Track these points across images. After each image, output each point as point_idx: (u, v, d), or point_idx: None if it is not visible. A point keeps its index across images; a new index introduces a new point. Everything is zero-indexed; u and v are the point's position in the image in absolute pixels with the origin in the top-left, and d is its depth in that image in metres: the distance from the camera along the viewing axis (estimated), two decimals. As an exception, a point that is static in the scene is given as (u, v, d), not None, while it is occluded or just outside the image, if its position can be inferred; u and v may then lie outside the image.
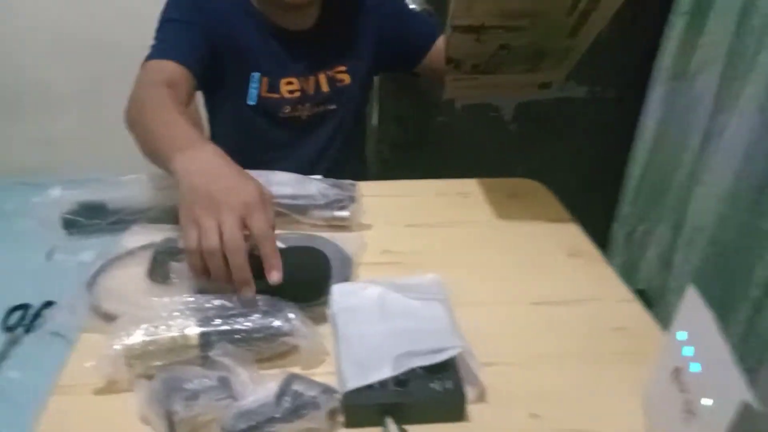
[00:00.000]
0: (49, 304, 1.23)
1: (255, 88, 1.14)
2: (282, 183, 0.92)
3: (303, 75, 1.17)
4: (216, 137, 1.27)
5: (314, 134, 1.23)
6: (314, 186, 0.93)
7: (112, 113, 1.82)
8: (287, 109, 1.18)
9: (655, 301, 1.75)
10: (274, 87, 1.15)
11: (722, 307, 1.42)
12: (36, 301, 1.23)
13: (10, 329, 1.18)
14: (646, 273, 1.82)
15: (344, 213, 0.92)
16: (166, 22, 1.09)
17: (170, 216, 0.89)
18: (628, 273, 1.82)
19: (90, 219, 0.89)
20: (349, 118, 1.27)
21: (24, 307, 1.22)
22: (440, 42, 1.22)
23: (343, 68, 1.21)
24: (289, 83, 1.16)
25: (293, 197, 0.91)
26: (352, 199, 0.93)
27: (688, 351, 0.55)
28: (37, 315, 1.21)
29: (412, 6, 1.47)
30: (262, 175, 0.93)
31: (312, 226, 0.91)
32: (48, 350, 1.13)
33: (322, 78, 1.19)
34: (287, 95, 1.16)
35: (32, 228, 1.40)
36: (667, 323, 0.61)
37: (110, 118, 1.83)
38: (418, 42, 1.25)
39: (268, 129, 1.20)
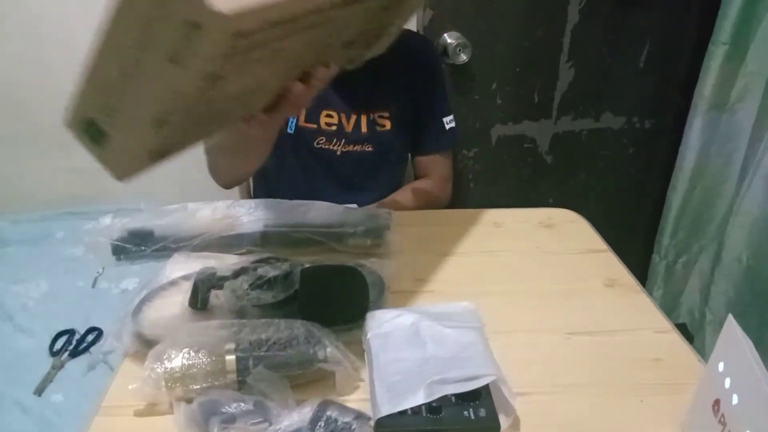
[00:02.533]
0: (93, 329, 1.26)
1: (293, 118, 1.18)
2: (319, 212, 0.95)
3: (344, 111, 1.19)
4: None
5: (349, 171, 1.25)
6: (350, 215, 0.95)
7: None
8: (322, 141, 1.20)
9: (696, 335, 1.70)
10: (312, 117, 1.19)
11: (759, 340, 1.38)
12: (81, 327, 1.27)
13: (55, 354, 1.22)
14: (687, 306, 1.78)
15: (379, 241, 0.93)
16: None
17: (212, 245, 0.92)
18: (669, 306, 1.78)
19: (137, 246, 0.92)
20: (388, 161, 1.28)
21: (69, 332, 1.26)
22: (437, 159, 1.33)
23: (385, 114, 1.22)
24: (329, 116, 1.19)
25: (330, 226, 0.93)
26: (387, 228, 0.95)
27: (726, 382, 0.54)
28: (82, 340, 1.24)
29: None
30: (300, 205, 0.96)
31: (348, 254, 0.92)
32: (91, 375, 1.17)
33: (363, 119, 1.21)
34: (324, 127, 1.19)
35: (79, 256, 1.46)
36: (706, 357, 0.60)
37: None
38: (424, 140, 1.31)
39: (305, 158, 1.22)
